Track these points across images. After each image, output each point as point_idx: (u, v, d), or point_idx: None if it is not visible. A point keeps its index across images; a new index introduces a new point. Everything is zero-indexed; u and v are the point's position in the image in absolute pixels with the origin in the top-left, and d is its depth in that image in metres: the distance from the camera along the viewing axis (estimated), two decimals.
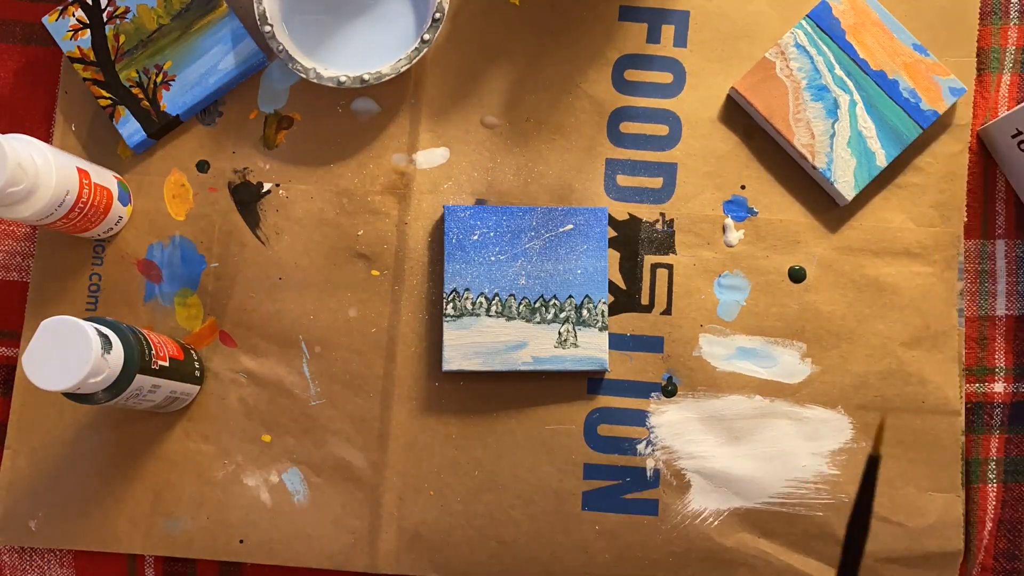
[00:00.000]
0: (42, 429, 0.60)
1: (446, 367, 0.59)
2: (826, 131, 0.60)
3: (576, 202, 0.62)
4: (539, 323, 0.59)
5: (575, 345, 0.59)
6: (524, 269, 0.60)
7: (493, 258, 0.60)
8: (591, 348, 0.59)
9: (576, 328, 0.59)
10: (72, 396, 0.50)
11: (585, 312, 0.59)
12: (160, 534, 0.59)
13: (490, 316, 0.59)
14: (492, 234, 0.60)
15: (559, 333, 0.59)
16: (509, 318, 0.59)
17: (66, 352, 0.47)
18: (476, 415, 0.60)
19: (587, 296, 0.59)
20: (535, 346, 0.59)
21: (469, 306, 0.59)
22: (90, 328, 0.48)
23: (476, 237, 0.60)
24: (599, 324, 0.59)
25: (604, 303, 0.59)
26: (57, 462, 0.60)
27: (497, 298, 0.59)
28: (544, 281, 0.59)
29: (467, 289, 0.59)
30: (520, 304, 0.59)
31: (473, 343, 0.59)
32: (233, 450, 0.60)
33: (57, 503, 0.60)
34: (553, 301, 0.59)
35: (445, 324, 0.59)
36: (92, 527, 0.60)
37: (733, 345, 0.61)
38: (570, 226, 0.60)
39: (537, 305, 0.59)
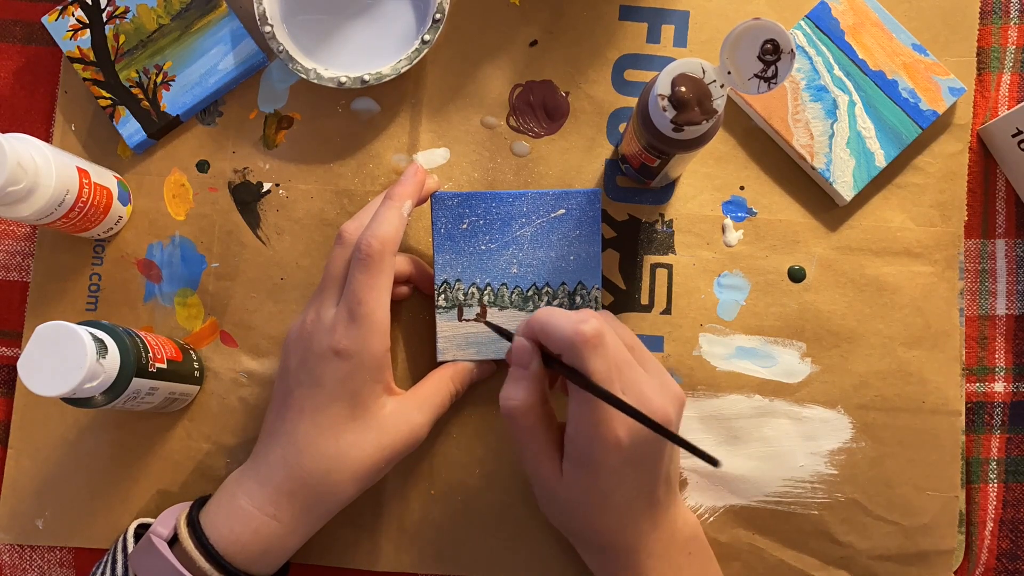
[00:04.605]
0: (45, 429, 0.60)
1: (440, 358, 0.58)
2: (825, 131, 0.60)
3: None
4: (532, 311, 0.59)
5: None
6: (516, 257, 0.59)
7: (484, 247, 0.59)
8: None
9: None
10: (69, 400, 0.50)
11: (579, 299, 0.59)
12: None
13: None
14: (481, 222, 0.59)
15: None
16: (502, 307, 0.59)
17: (61, 358, 0.47)
18: (476, 413, 0.60)
19: (580, 283, 0.59)
20: None
21: (461, 297, 0.59)
22: (85, 333, 0.48)
23: (465, 226, 0.59)
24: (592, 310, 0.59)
25: (598, 289, 0.59)
26: (61, 461, 0.60)
27: (489, 288, 0.59)
28: (536, 269, 0.59)
29: (458, 280, 0.59)
30: (512, 293, 0.59)
31: (467, 334, 0.58)
32: (235, 449, 0.60)
33: (63, 502, 0.60)
34: (546, 289, 0.59)
35: (438, 315, 0.58)
36: (98, 525, 0.60)
37: (733, 344, 0.61)
38: (562, 211, 0.59)
39: (530, 293, 0.59)
